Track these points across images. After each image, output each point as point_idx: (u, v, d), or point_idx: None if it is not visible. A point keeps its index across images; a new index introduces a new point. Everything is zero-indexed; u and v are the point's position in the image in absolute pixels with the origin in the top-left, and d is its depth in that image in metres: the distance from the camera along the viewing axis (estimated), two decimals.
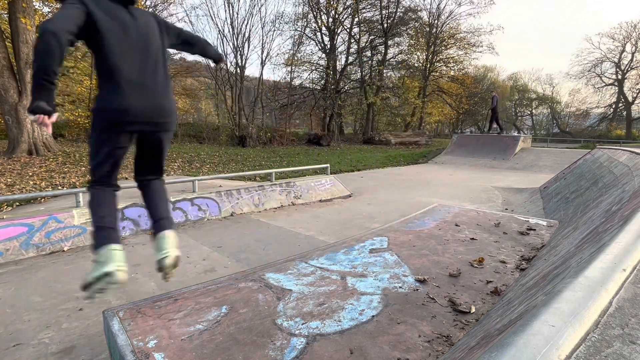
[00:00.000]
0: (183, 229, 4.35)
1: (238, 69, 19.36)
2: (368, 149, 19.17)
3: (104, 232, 1.70)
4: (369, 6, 25.39)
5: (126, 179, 7.07)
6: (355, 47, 26.51)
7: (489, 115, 15.05)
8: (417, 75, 28.44)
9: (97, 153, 1.75)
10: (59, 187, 6.06)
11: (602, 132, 35.98)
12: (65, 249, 3.62)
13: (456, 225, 3.36)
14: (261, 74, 20.68)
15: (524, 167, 11.65)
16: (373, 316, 1.69)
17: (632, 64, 34.28)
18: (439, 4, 32.20)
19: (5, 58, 8.82)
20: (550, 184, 6.36)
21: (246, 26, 19.23)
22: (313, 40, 26.27)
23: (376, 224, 4.53)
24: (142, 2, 17.27)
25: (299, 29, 23.90)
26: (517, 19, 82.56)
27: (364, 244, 2.77)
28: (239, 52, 19.13)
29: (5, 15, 10.70)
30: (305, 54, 25.77)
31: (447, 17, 27.66)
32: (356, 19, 25.50)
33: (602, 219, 2.23)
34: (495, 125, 14.85)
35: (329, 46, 25.63)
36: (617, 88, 36.24)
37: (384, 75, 27.57)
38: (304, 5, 24.26)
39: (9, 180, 6.34)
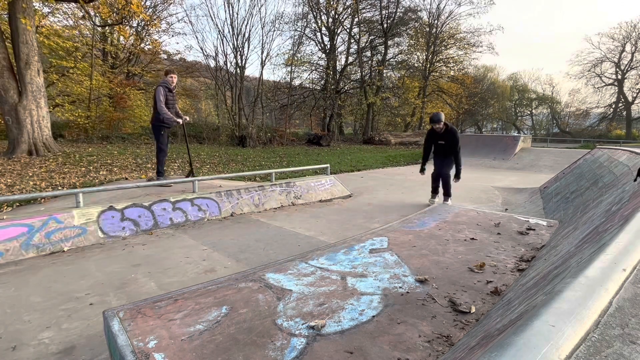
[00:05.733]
0: (183, 229, 4.35)
1: (238, 69, 19.34)
2: (368, 149, 19.17)
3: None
4: (369, 6, 25.42)
5: (126, 179, 7.06)
6: (355, 47, 26.52)
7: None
8: (417, 75, 28.48)
9: None
10: (59, 188, 6.06)
11: (602, 132, 35.99)
12: (65, 249, 3.62)
13: (456, 225, 3.36)
14: (261, 74, 20.68)
15: (524, 167, 11.65)
16: (373, 316, 1.69)
17: (631, 64, 34.31)
18: (439, 4, 32.08)
19: (5, 58, 8.80)
20: (550, 184, 6.36)
21: (246, 26, 19.20)
22: (313, 40, 26.29)
23: (376, 224, 4.53)
24: (142, 2, 17.26)
25: (299, 29, 23.90)
26: (517, 19, 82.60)
27: (364, 244, 2.77)
28: (239, 52, 19.11)
29: (5, 16, 10.68)
30: (305, 54, 25.76)
31: (447, 17, 27.70)
32: (356, 19, 25.52)
33: (602, 218, 2.23)
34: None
35: (328, 46, 25.63)
36: (617, 88, 36.25)
37: (384, 75, 27.61)
38: (303, 5, 24.27)
39: (9, 180, 6.34)
